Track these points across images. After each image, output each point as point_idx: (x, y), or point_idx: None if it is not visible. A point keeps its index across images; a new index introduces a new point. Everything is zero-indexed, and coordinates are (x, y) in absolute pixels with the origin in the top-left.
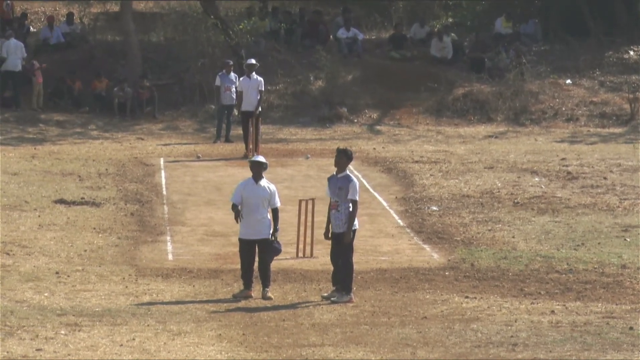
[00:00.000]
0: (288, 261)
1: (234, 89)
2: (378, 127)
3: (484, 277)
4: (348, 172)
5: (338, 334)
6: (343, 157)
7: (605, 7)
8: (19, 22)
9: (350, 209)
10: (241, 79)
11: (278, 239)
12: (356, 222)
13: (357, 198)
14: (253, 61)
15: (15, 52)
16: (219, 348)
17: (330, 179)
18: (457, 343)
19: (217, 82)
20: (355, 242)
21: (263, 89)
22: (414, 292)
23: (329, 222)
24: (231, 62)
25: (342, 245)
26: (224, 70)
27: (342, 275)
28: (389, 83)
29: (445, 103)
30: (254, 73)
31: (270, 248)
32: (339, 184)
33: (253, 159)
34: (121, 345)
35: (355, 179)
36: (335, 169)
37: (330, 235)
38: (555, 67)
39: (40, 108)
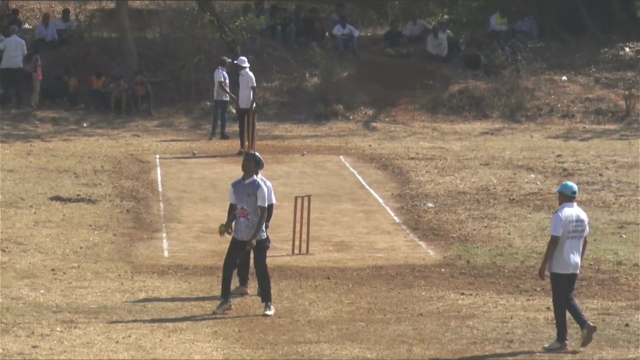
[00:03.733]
0: (284, 258)
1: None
2: (374, 124)
3: (480, 274)
4: (255, 177)
5: (334, 331)
6: (251, 161)
7: (601, 3)
8: (9, 19)
9: (259, 216)
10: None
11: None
12: (264, 231)
13: (266, 205)
14: (241, 63)
15: (15, 49)
16: (214, 345)
17: (236, 185)
18: (453, 340)
19: (220, 77)
20: (351, 239)
21: (255, 84)
22: (409, 289)
23: (229, 223)
24: (230, 60)
25: (256, 254)
26: (220, 67)
27: (260, 286)
28: (385, 80)
29: (441, 100)
30: (247, 70)
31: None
32: (248, 191)
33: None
34: (117, 342)
35: (264, 185)
36: (243, 173)
37: (231, 241)
38: (550, 63)
39: (37, 105)
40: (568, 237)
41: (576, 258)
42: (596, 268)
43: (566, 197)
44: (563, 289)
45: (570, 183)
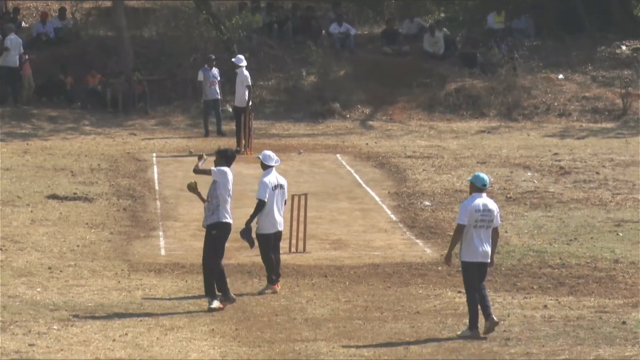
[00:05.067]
0: (281, 256)
1: (217, 84)
2: (370, 123)
3: None
4: (216, 168)
5: (331, 329)
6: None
7: (598, 2)
8: (9, 18)
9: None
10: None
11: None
12: (223, 216)
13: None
14: (237, 61)
15: (15, 48)
16: (211, 343)
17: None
18: (449, 338)
19: (200, 77)
20: (348, 237)
21: (250, 83)
22: (406, 287)
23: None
24: (213, 57)
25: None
26: (206, 65)
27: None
28: (382, 78)
29: (438, 98)
30: (242, 68)
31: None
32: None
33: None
34: (114, 340)
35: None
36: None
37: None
38: (547, 62)
39: (31, 101)
40: (475, 225)
41: (484, 247)
42: (593, 266)
43: (476, 188)
44: (473, 276)
45: (482, 175)
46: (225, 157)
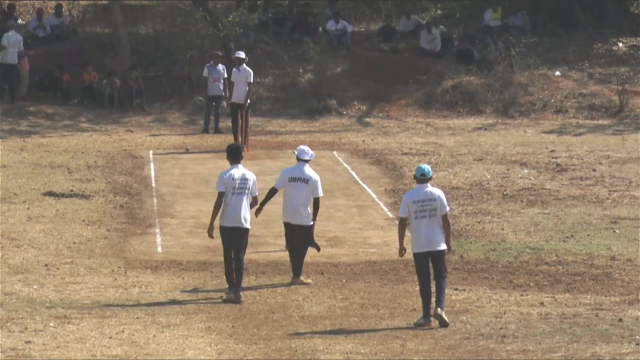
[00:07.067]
0: (277, 253)
1: (222, 80)
2: (367, 119)
3: (473, 269)
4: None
5: (327, 326)
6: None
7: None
8: (6, 15)
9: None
10: (233, 70)
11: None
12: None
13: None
14: (242, 55)
15: (13, 45)
16: (208, 340)
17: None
18: (446, 335)
19: (205, 73)
20: (345, 234)
21: (252, 80)
22: (403, 284)
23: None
24: (219, 53)
25: None
26: (211, 62)
27: None
28: (378, 75)
29: (434, 95)
30: (243, 65)
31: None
32: None
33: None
34: (110, 337)
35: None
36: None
37: None
38: (544, 59)
39: (23, 96)
40: (416, 217)
41: (429, 237)
42: (590, 263)
43: (416, 179)
44: (423, 266)
45: (422, 166)
46: (231, 152)
